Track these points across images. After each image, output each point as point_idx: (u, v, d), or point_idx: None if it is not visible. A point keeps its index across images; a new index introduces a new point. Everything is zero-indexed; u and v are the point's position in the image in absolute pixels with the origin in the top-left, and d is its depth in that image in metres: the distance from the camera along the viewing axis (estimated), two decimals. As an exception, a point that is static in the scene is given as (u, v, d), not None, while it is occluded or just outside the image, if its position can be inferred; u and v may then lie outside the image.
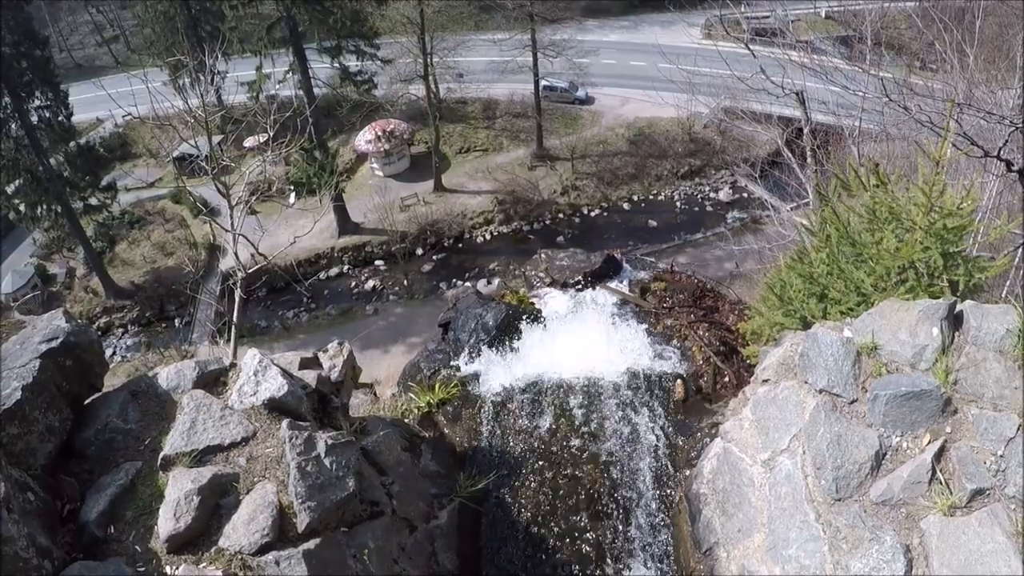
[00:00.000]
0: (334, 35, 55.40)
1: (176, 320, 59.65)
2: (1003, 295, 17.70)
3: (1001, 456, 7.76)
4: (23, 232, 65.63)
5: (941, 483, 8.03)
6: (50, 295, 62.13)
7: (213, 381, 9.75)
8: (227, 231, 20.38)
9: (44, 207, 55.81)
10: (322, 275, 61.37)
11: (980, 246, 14.59)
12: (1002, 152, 13.59)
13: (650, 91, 60.31)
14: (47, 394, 8.55)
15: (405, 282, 59.09)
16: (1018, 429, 7.72)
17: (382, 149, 68.38)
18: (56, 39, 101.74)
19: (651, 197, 67.05)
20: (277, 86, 53.92)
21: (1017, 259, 17.47)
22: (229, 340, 19.65)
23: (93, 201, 58.88)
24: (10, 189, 54.87)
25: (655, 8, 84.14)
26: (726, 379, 16.10)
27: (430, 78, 64.25)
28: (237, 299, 19.69)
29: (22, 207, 55.71)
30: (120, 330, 59.69)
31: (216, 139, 21.91)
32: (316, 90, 57.53)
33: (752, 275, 38.90)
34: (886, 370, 8.85)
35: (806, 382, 9.56)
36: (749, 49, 24.99)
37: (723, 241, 54.52)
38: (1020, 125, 14.79)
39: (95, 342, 9.52)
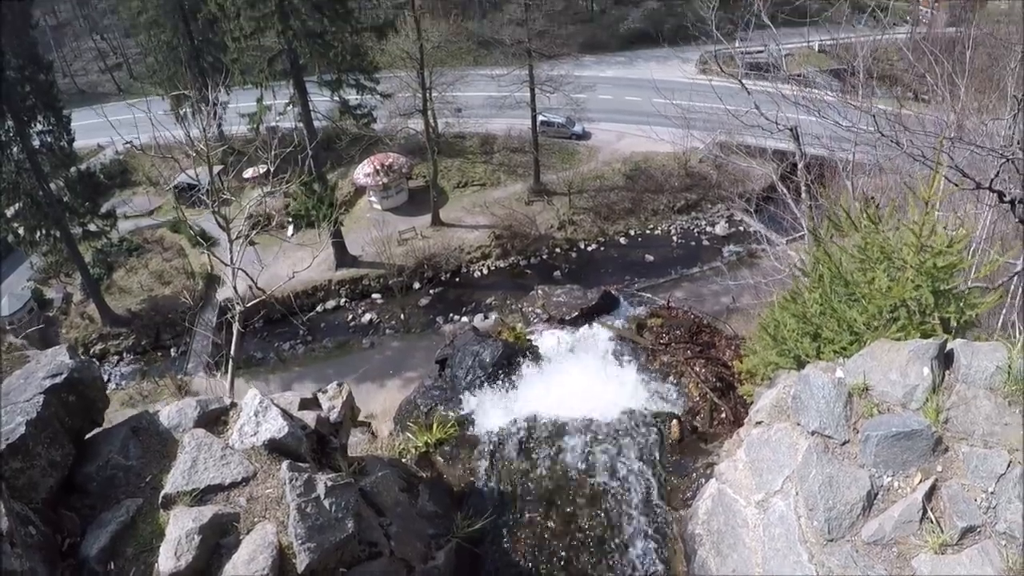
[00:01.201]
0: (335, 69, 55.85)
1: (172, 349, 59.60)
2: (999, 324, 17.80)
3: (992, 493, 7.84)
4: (21, 255, 65.73)
5: (932, 521, 8.11)
6: (46, 320, 62.12)
7: (214, 420, 9.84)
8: (226, 265, 20.54)
9: (43, 231, 55.95)
10: (319, 308, 61.41)
11: (975, 278, 14.71)
12: (994, 183, 13.74)
13: (646, 126, 60.74)
14: (50, 429, 8.64)
15: (402, 316, 59.12)
16: (1008, 465, 7.81)
17: (380, 183, 68.69)
18: (60, 64, 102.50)
19: (648, 231, 67.30)
20: (277, 118, 54.34)
21: (1013, 287, 17.58)
22: (226, 372, 19.74)
23: (92, 227, 59.01)
24: (10, 212, 55.02)
25: (651, 44, 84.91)
26: (723, 415, 16.18)
27: (429, 113, 64.71)
28: (235, 333, 19.80)
29: (21, 230, 55.83)
30: (115, 357, 59.61)
31: (216, 169, 22.12)
32: (316, 123, 57.93)
33: (748, 309, 39.03)
34: (877, 410, 8.96)
35: (799, 424, 9.67)
36: (743, 85, 25.24)
37: (719, 275, 54.74)
38: (1010, 156, 14.94)
39: (98, 378, 9.62)
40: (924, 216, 11.24)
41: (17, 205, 54.62)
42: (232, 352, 19.76)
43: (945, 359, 8.97)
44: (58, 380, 8.98)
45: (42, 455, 8.40)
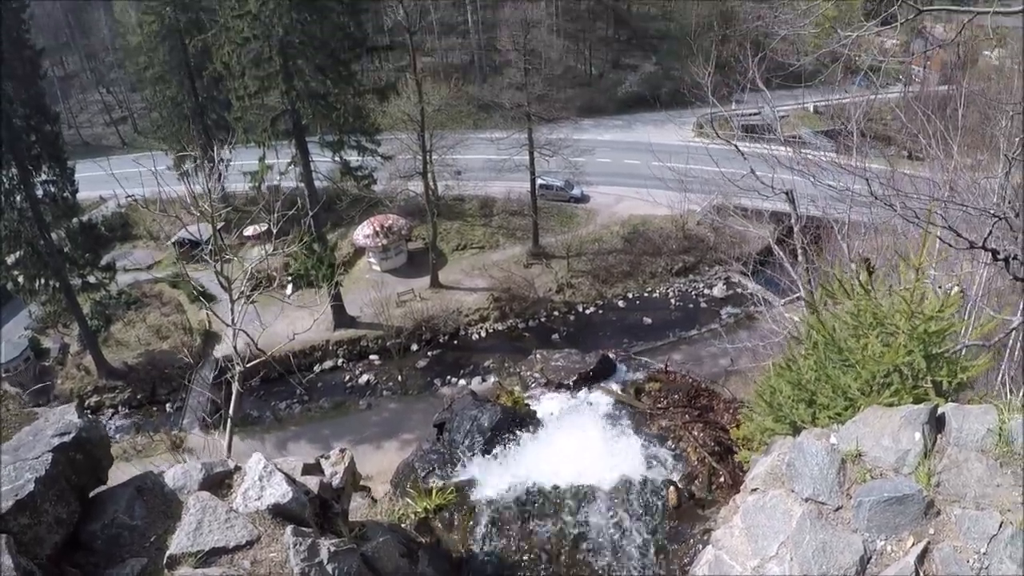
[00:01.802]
0: (336, 130, 56.62)
1: (167, 404, 59.60)
2: (999, 379, 17.90)
3: (984, 554, 7.93)
4: (20, 303, 65.95)
5: (925, 585, 8.19)
6: (42, 369, 62.22)
7: (218, 483, 9.96)
8: (228, 325, 20.69)
9: (42, 281, 56.34)
10: (316, 368, 61.51)
11: (972, 337, 14.86)
12: (987, 242, 13.95)
13: (644, 189, 61.40)
14: (57, 487, 8.78)
15: (399, 378, 59.14)
16: (1000, 526, 7.91)
17: (380, 244, 69.17)
18: (66, 116, 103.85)
19: (646, 294, 67.64)
20: (279, 177, 54.94)
21: (1012, 342, 17.71)
22: (224, 432, 19.79)
23: (91, 279, 59.43)
24: (10, 260, 55.37)
25: (648, 108, 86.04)
26: (721, 480, 16.23)
27: (429, 175, 65.42)
28: (235, 394, 19.89)
29: (21, 279, 56.17)
30: (110, 410, 59.60)
31: (218, 226, 22.37)
32: (317, 183, 58.53)
33: (747, 372, 39.12)
34: (870, 476, 9.09)
35: (793, 491, 9.78)
36: (738, 150, 25.62)
37: (717, 338, 54.91)
38: (1002, 215, 15.16)
39: (104, 437, 9.77)
40: (915, 283, 11.46)
41: (18, 253, 55.13)
42: (231, 412, 19.84)
43: (937, 423, 9.12)
44: (66, 439, 9.14)
45: (49, 512, 8.53)
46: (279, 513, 9.48)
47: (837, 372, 12.21)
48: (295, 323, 27.58)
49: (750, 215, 35.66)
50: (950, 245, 14.49)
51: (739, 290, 63.60)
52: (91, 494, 9.66)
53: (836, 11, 54.40)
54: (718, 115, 47.12)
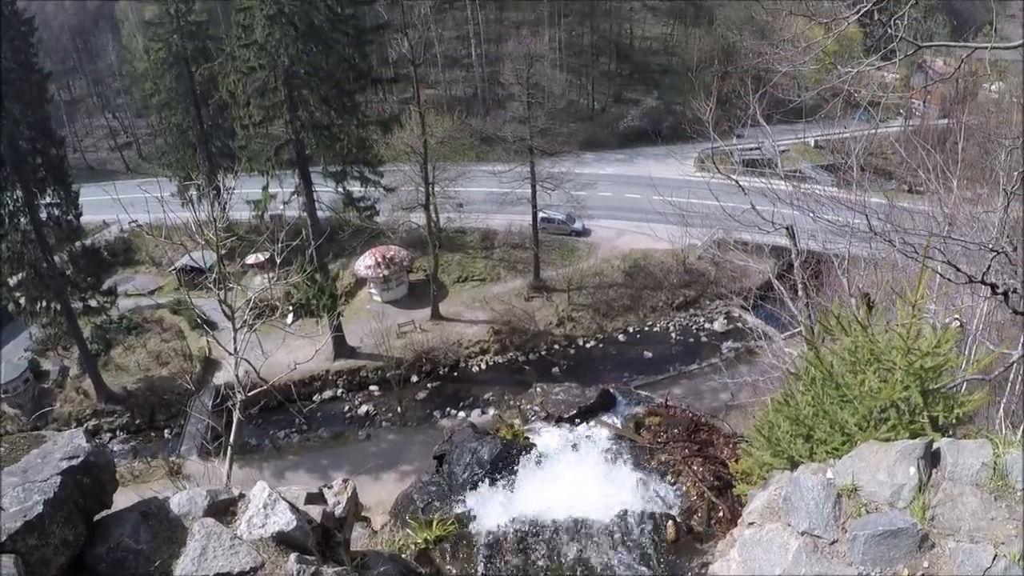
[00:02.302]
0: (340, 160, 56.98)
1: (166, 431, 59.50)
2: (999, 413, 17.93)
3: (978, 586, 8.02)
4: (21, 325, 66.00)
5: (918, 618, 8.26)
6: (42, 391, 62.22)
7: (223, 510, 10.06)
8: (230, 353, 20.81)
9: (44, 303, 56.47)
10: (316, 397, 61.42)
11: (972, 371, 14.91)
12: (987, 276, 14.06)
13: (645, 223, 61.60)
14: (65, 509, 8.90)
15: (399, 409, 59.08)
16: (994, 559, 7.99)
17: (381, 275, 69.35)
18: (71, 140, 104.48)
19: (646, 328, 67.70)
20: (282, 207, 55.26)
21: (1012, 376, 17.76)
22: (224, 459, 19.85)
23: (93, 303, 59.58)
24: (12, 281, 55.55)
25: (650, 142, 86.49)
26: (720, 514, 16.30)
27: (431, 207, 65.69)
28: (235, 422, 19.99)
29: (22, 300, 56.31)
30: (108, 435, 59.44)
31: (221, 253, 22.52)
32: (319, 213, 58.83)
33: (747, 406, 39.14)
34: (865, 510, 9.18)
35: (789, 524, 9.86)
36: (739, 185, 25.84)
37: (718, 372, 54.84)
38: (1001, 249, 15.27)
39: (110, 463, 9.88)
40: (911, 319, 11.61)
41: (20, 275, 55.30)
42: (231, 439, 19.92)
43: (932, 458, 9.22)
44: (75, 462, 9.26)
45: (56, 534, 8.64)
46: (283, 541, 9.58)
47: (835, 407, 12.34)
48: (296, 352, 27.62)
49: (751, 250, 35.89)
50: (949, 280, 14.63)
51: (740, 325, 63.59)
52: (96, 517, 9.77)
53: (836, 46, 54.86)
54: (719, 150, 47.44)
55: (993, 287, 14.24)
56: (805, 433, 12.86)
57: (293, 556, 9.20)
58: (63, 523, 8.86)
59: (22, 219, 54.10)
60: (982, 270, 14.36)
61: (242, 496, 10.30)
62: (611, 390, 23.47)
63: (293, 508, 10.08)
